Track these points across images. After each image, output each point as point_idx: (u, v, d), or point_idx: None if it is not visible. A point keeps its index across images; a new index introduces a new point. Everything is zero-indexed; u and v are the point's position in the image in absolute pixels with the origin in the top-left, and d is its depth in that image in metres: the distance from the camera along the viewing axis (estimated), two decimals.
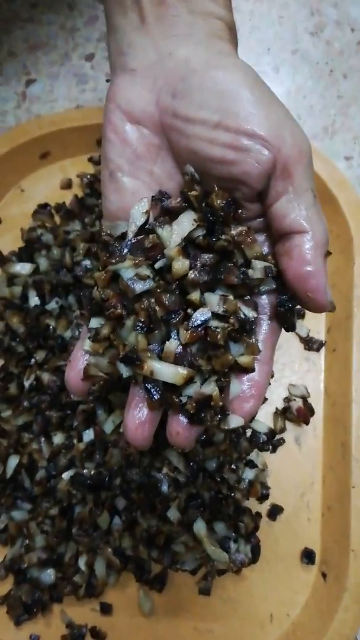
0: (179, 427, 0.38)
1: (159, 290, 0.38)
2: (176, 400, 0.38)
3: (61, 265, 0.67)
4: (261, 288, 0.39)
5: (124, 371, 0.39)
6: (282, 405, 0.67)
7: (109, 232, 0.41)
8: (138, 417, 0.39)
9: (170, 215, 0.40)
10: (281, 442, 0.65)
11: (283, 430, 0.65)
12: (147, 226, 0.40)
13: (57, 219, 0.76)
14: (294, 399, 0.66)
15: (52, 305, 0.67)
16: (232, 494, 0.60)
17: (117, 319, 0.39)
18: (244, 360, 0.38)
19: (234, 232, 0.38)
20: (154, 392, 0.38)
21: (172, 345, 0.38)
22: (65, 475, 0.60)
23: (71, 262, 0.67)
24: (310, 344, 0.68)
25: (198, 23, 0.40)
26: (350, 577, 0.57)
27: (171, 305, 0.38)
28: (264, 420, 0.66)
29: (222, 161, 0.36)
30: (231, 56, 0.40)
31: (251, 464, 0.62)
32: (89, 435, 0.60)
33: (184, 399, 0.38)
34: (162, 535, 0.59)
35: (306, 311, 0.38)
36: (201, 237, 0.38)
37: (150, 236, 0.39)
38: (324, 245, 0.36)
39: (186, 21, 0.40)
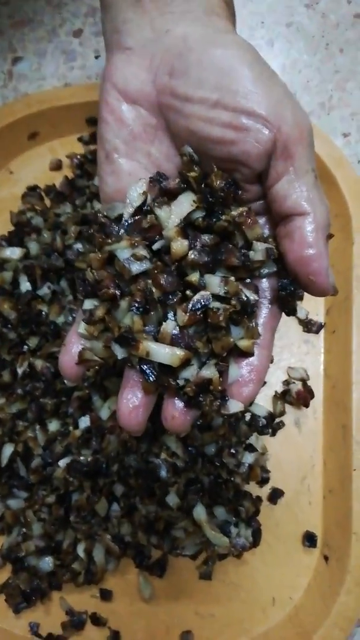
0: (175, 411, 0.37)
1: (156, 272, 0.37)
2: (172, 383, 0.37)
3: (52, 249, 0.66)
4: (262, 271, 0.38)
5: (119, 352, 0.38)
6: (282, 388, 0.66)
7: (105, 213, 0.40)
8: (132, 401, 0.38)
9: (168, 196, 0.39)
10: (281, 425, 0.65)
11: (283, 413, 0.65)
12: (145, 207, 0.39)
13: (47, 201, 0.74)
14: (294, 382, 0.65)
15: (44, 290, 0.65)
16: (232, 478, 0.60)
17: (111, 299, 0.38)
18: (243, 344, 0.38)
19: (234, 212, 0.37)
20: (150, 374, 0.37)
21: (169, 326, 0.37)
22: (62, 463, 0.59)
23: (62, 246, 0.66)
24: (309, 326, 0.67)
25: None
26: (352, 559, 0.57)
27: (168, 286, 0.37)
28: (263, 403, 0.65)
29: (221, 141, 0.36)
30: (229, 33, 0.38)
31: (251, 448, 0.61)
32: (84, 422, 0.59)
33: (180, 382, 0.37)
34: (162, 520, 0.59)
35: (305, 293, 0.37)
36: (200, 219, 0.38)
37: (148, 217, 0.38)
38: (325, 227, 0.36)
39: None
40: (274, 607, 0.60)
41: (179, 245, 0.37)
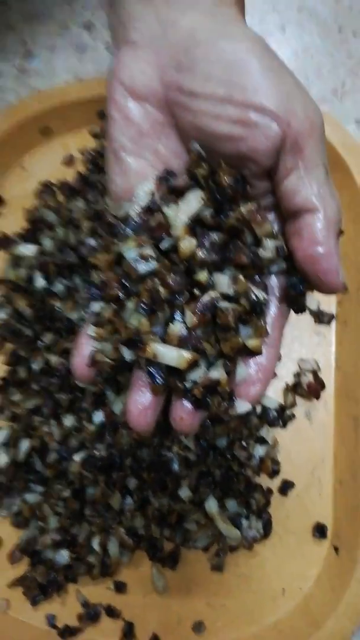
0: (183, 413, 0.37)
1: (163, 271, 0.37)
2: (180, 385, 0.37)
3: (66, 244, 0.66)
4: (271, 268, 0.38)
5: (127, 354, 0.38)
6: (292, 380, 0.66)
7: (113, 213, 0.40)
8: (141, 402, 0.38)
9: (176, 194, 0.38)
10: (291, 417, 0.64)
11: (293, 405, 0.65)
12: (153, 206, 0.38)
13: (60, 197, 0.74)
14: (304, 374, 0.65)
15: (58, 286, 0.66)
16: (243, 471, 0.60)
17: (116, 300, 0.38)
18: (252, 343, 0.37)
19: (243, 209, 0.36)
20: (157, 376, 0.37)
21: (176, 327, 0.36)
22: (77, 457, 0.60)
23: (76, 241, 0.66)
24: (320, 316, 0.67)
25: None
26: None
27: (176, 285, 0.36)
28: (274, 395, 0.66)
29: (229, 137, 0.35)
30: (239, 24, 0.37)
31: (261, 441, 0.62)
32: (99, 416, 0.60)
33: (188, 384, 0.37)
34: (174, 513, 0.60)
35: None
36: (209, 216, 0.37)
37: (156, 215, 0.37)
38: (336, 224, 0.35)
39: None
40: (284, 597, 0.60)
41: (187, 244, 0.36)
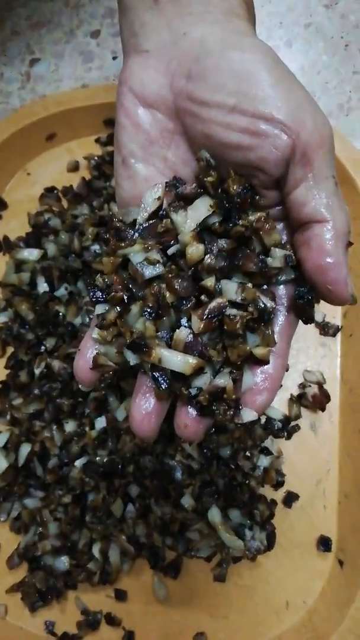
0: (187, 419, 0.37)
1: (170, 276, 0.37)
2: (185, 391, 0.37)
3: (70, 250, 0.66)
4: (280, 278, 0.38)
5: (131, 358, 0.37)
6: (297, 391, 0.66)
7: (120, 218, 0.40)
8: (144, 407, 0.37)
9: (185, 201, 0.38)
10: (296, 428, 0.64)
11: (298, 416, 0.64)
12: (161, 212, 0.39)
13: (64, 202, 0.74)
14: (310, 385, 0.65)
15: (61, 291, 0.66)
16: (247, 481, 0.60)
17: (121, 303, 0.37)
18: (259, 351, 0.37)
19: (252, 217, 0.36)
20: (162, 381, 0.37)
21: (182, 333, 0.36)
22: (78, 463, 0.60)
23: (80, 247, 0.66)
24: (326, 328, 0.66)
25: (214, 0, 0.38)
26: None
27: (183, 291, 0.36)
28: (279, 406, 0.65)
29: (239, 146, 0.35)
30: (249, 35, 0.38)
31: (266, 451, 0.61)
32: (101, 422, 0.60)
33: (193, 391, 0.37)
34: (177, 522, 0.59)
35: None
36: (217, 224, 0.37)
37: (164, 221, 0.38)
38: (345, 235, 0.35)
39: None
40: (288, 611, 0.59)
41: (195, 250, 0.36)
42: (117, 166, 0.41)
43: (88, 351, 0.39)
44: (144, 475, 0.59)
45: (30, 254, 0.67)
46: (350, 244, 0.36)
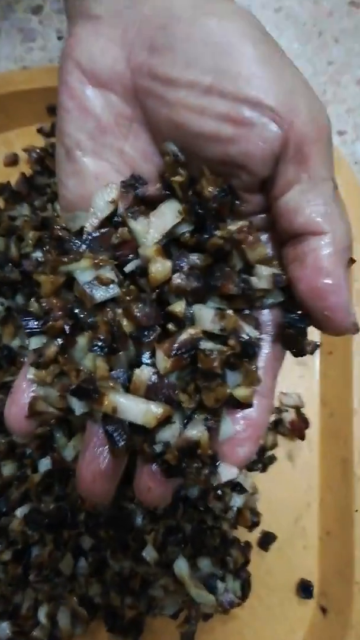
0: (151, 481, 0.31)
1: (128, 299, 0.31)
2: (147, 449, 0.31)
3: (6, 258, 0.59)
4: (265, 301, 0.32)
5: (77, 407, 0.31)
6: (273, 417, 0.60)
7: (64, 225, 0.34)
8: (96, 465, 0.31)
9: (146, 205, 0.33)
10: (272, 459, 0.59)
11: (274, 446, 0.59)
12: (116, 219, 0.33)
13: (0, 202, 0.67)
14: (286, 410, 0.60)
15: None
16: (218, 525, 0.54)
17: (63, 334, 0.31)
18: (241, 393, 0.31)
19: (232, 227, 0.30)
20: (118, 438, 0.31)
21: (144, 373, 0.30)
22: (19, 512, 0.53)
23: (18, 255, 0.59)
24: None
25: None
26: (355, 613, 0.52)
27: (144, 318, 0.31)
28: None
29: (216, 138, 0.29)
30: (228, 0, 0.32)
31: (239, 488, 0.55)
32: (45, 464, 0.53)
33: (158, 447, 0.31)
34: (137, 578, 0.53)
35: None
36: (188, 234, 0.31)
37: (119, 230, 0.32)
38: (345, 251, 0.30)
39: None
40: None
41: (160, 267, 0.31)
42: (59, 160, 0.35)
43: (22, 395, 0.33)
44: (98, 524, 0.52)
45: None
46: (352, 261, 0.30)
